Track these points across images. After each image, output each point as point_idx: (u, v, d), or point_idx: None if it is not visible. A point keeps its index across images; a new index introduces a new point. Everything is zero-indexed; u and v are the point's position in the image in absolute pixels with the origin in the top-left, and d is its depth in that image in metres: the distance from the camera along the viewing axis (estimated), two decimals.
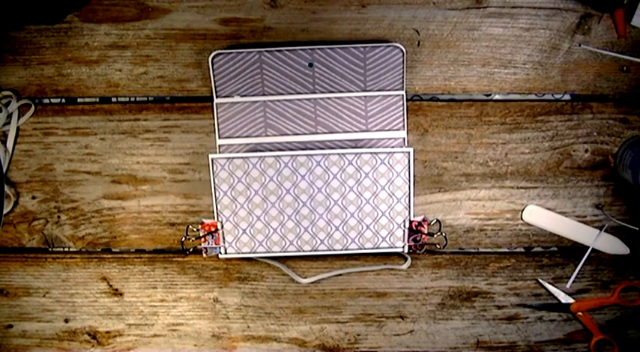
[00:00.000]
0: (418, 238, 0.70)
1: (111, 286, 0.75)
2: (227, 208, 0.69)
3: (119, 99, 0.72)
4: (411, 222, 0.69)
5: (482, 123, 0.71)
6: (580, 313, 0.73)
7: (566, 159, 0.71)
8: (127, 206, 0.73)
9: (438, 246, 0.72)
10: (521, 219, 0.72)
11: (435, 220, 0.72)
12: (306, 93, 0.69)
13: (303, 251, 0.70)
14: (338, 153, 0.68)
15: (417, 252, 0.70)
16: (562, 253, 0.73)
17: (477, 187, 0.72)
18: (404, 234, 0.70)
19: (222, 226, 0.70)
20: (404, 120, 0.69)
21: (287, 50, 0.67)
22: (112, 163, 0.72)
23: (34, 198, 0.73)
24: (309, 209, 0.69)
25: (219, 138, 0.69)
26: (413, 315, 0.74)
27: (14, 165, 0.73)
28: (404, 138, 0.69)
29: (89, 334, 0.76)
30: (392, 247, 0.70)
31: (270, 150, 0.69)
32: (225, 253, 0.70)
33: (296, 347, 0.75)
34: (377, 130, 0.69)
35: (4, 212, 0.72)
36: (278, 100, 0.69)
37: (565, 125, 0.71)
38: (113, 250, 0.74)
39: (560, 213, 0.72)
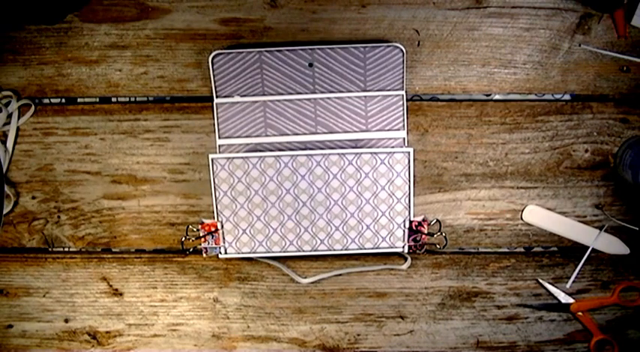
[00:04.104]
0: (418, 238, 0.70)
1: (111, 286, 0.75)
2: (227, 208, 0.69)
3: (119, 99, 0.72)
4: (411, 222, 0.69)
5: (482, 123, 0.71)
6: (580, 313, 0.73)
7: (566, 159, 0.71)
8: (127, 206, 0.73)
9: (438, 246, 0.72)
10: (521, 219, 0.72)
11: (435, 220, 0.72)
12: (306, 93, 0.69)
13: (303, 251, 0.70)
14: (338, 153, 0.68)
15: (417, 252, 0.70)
16: (562, 253, 0.73)
17: (477, 187, 0.72)
18: (404, 234, 0.70)
19: (222, 226, 0.70)
20: (404, 120, 0.69)
21: (287, 50, 0.67)
22: (112, 163, 0.72)
23: (34, 198, 0.73)
24: (309, 209, 0.69)
25: (219, 138, 0.69)
26: (413, 315, 0.74)
27: (14, 165, 0.73)
28: (404, 138, 0.69)
29: (89, 334, 0.76)
30: (392, 247, 0.70)
31: (270, 150, 0.69)
32: (225, 253, 0.70)
33: (296, 347, 0.75)
34: (377, 130, 0.69)
35: (4, 212, 0.72)
36: (278, 100, 0.69)
37: (565, 125, 0.71)
38: (113, 250, 0.74)
39: (560, 213, 0.72)
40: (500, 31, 0.70)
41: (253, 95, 0.69)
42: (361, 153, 0.68)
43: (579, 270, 0.72)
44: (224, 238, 0.70)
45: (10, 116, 0.71)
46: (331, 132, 0.69)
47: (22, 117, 0.72)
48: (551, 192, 0.72)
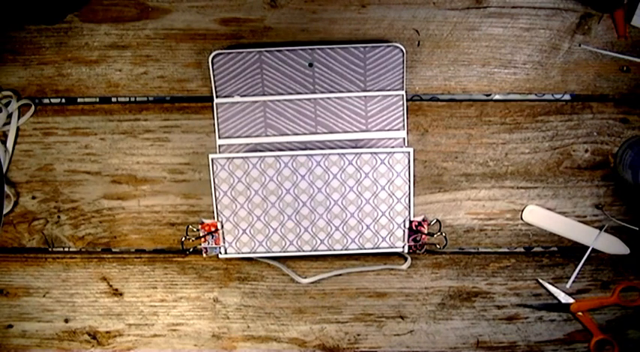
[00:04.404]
0: (418, 238, 0.70)
1: (111, 286, 0.75)
2: (227, 208, 0.69)
3: (119, 99, 0.72)
4: (411, 222, 0.69)
5: (482, 123, 0.71)
6: (580, 313, 0.73)
7: (566, 159, 0.71)
8: (127, 206, 0.73)
9: (438, 246, 0.72)
10: (521, 219, 0.72)
11: (435, 220, 0.72)
12: (306, 93, 0.69)
13: (303, 251, 0.70)
14: (338, 153, 0.68)
15: (417, 252, 0.70)
16: (562, 253, 0.73)
17: (477, 187, 0.72)
18: (404, 234, 0.70)
19: (222, 226, 0.70)
20: (404, 120, 0.69)
21: (287, 50, 0.67)
22: (112, 163, 0.72)
23: (34, 198, 0.73)
24: (309, 209, 0.69)
25: (219, 138, 0.69)
26: (413, 315, 0.74)
27: (14, 165, 0.73)
28: (404, 138, 0.69)
29: (89, 334, 0.76)
30: (392, 247, 0.70)
31: (270, 150, 0.69)
32: (225, 253, 0.70)
33: (296, 347, 0.75)
34: (377, 130, 0.69)
35: (4, 212, 0.72)
36: (278, 100, 0.69)
37: (565, 125, 0.71)
38: (113, 250, 0.74)
39: (560, 213, 0.72)
40: (500, 31, 0.70)
41: (253, 95, 0.69)
42: (361, 153, 0.68)
43: (579, 270, 0.72)
44: (224, 238, 0.70)
45: (10, 116, 0.71)
46: (331, 132, 0.69)
47: (22, 117, 0.72)
48: (551, 192, 0.72)
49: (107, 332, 0.76)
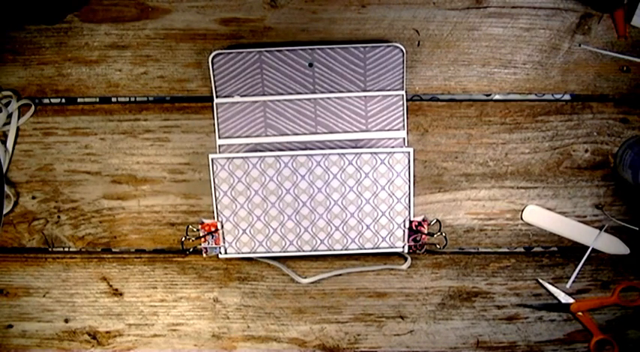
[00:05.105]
0: (418, 238, 0.70)
1: (111, 286, 0.75)
2: (227, 208, 0.69)
3: (119, 99, 0.72)
4: (411, 222, 0.69)
5: (482, 123, 0.71)
6: (580, 313, 0.73)
7: (566, 159, 0.71)
8: (127, 206, 0.73)
9: (438, 246, 0.72)
10: (521, 219, 0.72)
11: (435, 220, 0.72)
12: (306, 93, 0.69)
13: (303, 251, 0.70)
14: (338, 153, 0.68)
15: (417, 252, 0.70)
16: (562, 253, 0.73)
17: (477, 187, 0.72)
18: (404, 234, 0.70)
19: (222, 226, 0.70)
20: (404, 120, 0.69)
21: (287, 50, 0.67)
22: (112, 163, 0.72)
23: (34, 198, 0.73)
24: (309, 209, 0.69)
25: (219, 138, 0.69)
26: (413, 315, 0.74)
27: (14, 165, 0.73)
28: (404, 138, 0.69)
29: (89, 334, 0.76)
30: (392, 247, 0.70)
31: (270, 150, 0.69)
32: (225, 253, 0.70)
33: (296, 347, 0.75)
34: (377, 130, 0.69)
35: (4, 212, 0.72)
36: (278, 100, 0.69)
37: (565, 125, 0.71)
38: (113, 250, 0.74)
39: (560, 213, 0.72)
40: (500, 31, 0.70)
41: (253, 95, 0.69)
42: (361, 153, 0.68)
43: (579, 270, 0.72)
44: (224, 238, 0.70)
45: (10, 116, 0.71)
46: (331, 132, 0.69)
47: (22, 117, 0.72)
48: (551, 192, 0.72)
49: (107, 332, 0.76)
